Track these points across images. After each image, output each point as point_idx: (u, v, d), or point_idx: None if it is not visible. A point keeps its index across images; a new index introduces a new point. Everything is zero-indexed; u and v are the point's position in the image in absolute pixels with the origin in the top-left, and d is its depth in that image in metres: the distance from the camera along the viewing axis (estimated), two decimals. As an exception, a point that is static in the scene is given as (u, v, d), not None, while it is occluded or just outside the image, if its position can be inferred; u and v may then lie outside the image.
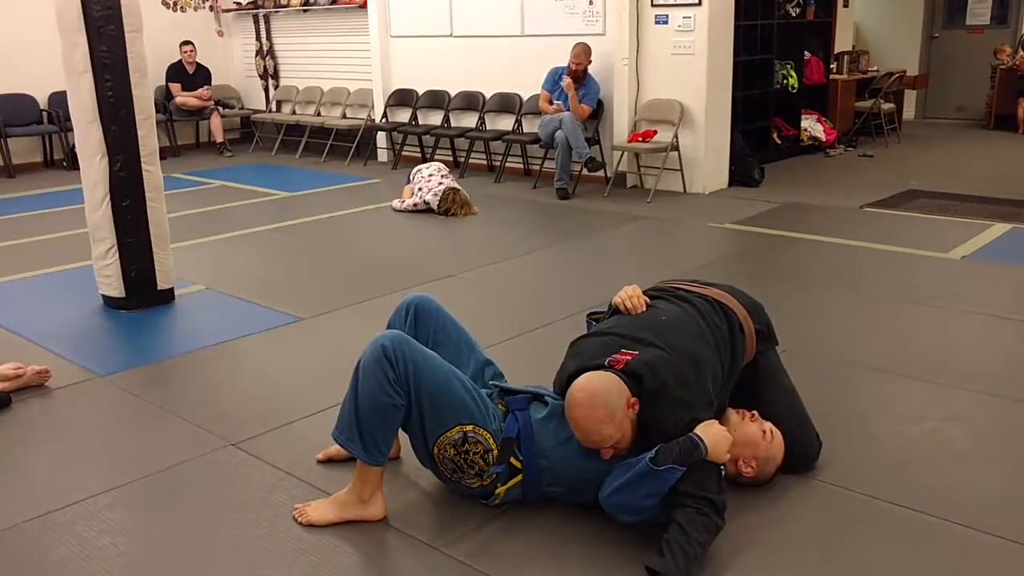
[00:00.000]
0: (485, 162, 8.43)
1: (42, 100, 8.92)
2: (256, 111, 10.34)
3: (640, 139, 7.05)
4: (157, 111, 9.18)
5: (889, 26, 11.34)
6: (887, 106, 9.43)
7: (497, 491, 2.42)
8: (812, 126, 8.98)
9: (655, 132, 7.03)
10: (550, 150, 7.32)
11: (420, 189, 6.57)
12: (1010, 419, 3.05)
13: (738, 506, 2.42)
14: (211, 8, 10.35)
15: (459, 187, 6.58)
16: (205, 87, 9.71)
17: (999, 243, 5.31)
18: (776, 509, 2.50)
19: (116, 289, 4.35)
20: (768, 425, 2.54)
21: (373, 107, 9.14)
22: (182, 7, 10.07)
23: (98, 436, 3.10)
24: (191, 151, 10.08)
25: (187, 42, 9.60)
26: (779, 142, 8.66)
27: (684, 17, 6.79)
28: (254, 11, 10.09)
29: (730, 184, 7.27)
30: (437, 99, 8.58)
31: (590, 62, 7.01)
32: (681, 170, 7.04)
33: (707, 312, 2.59)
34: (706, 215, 6.30)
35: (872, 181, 7.30)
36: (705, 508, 2.20)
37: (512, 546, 2.35)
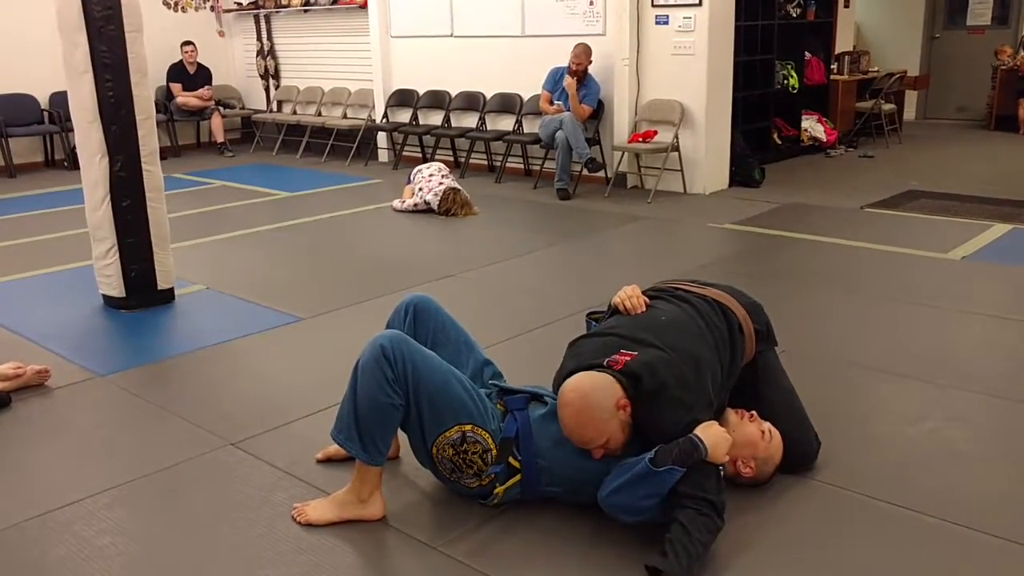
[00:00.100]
0: (486, 162, 8.44)
1: (43, 100, 8.93)
2: (257, 111, 10.34)
3: (640, 139, 7.05)
4: (158, 111, 9.18)
5: (890, 26, 11.33)
6: (888, 107, 9.43)
7: (496, 491, 2.42)
8: (813, 126, 8.98)
9: (655, 132, 7.03)
10: (550, 150, 7.32)
11: (421, 189, 6.58)
12: (1010, 419, 3.05)
13: (737, 506, 2.42)
14: (212, 8, 10.36)
15: (459, 187, 6.59)
16: (206, 87, 9.72)
17: (999, 243, 5.31)
18: (775, 509, 2.50)
19: (116, 289, 4.36)
20: (767, 425, 2.54)
21: (374, 107, 9.15)
22: (183, 7, 10.08)
23: (98, 436, 3.11)
24: (192, 151, 10.09)
25: (188, 42, 9.61)
26: (780, 142, 8.66)
27: (684, 17, 6.79)
28: (255, 11, 10.10)
29: (730, 184, 7.27)
30: (438, 99, 8.58)
31: (590, 62, 7.02)
32: (681, 170, 7.04)
33: (706, 312, 2.59)
34: (706, 215, 6.30)
35: (872, 181, 7.30)
36: (705, 509, 2.20)
37: (511, 546, 2.35)
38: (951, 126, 10.80)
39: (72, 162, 8.44)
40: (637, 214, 6.43)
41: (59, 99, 8.55)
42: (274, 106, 10.27)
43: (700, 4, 6.69)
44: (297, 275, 5.10)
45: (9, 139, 8.65)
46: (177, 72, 9.64)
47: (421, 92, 8.71)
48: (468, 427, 2.36)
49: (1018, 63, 10.04)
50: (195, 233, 5.99)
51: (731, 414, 2.52)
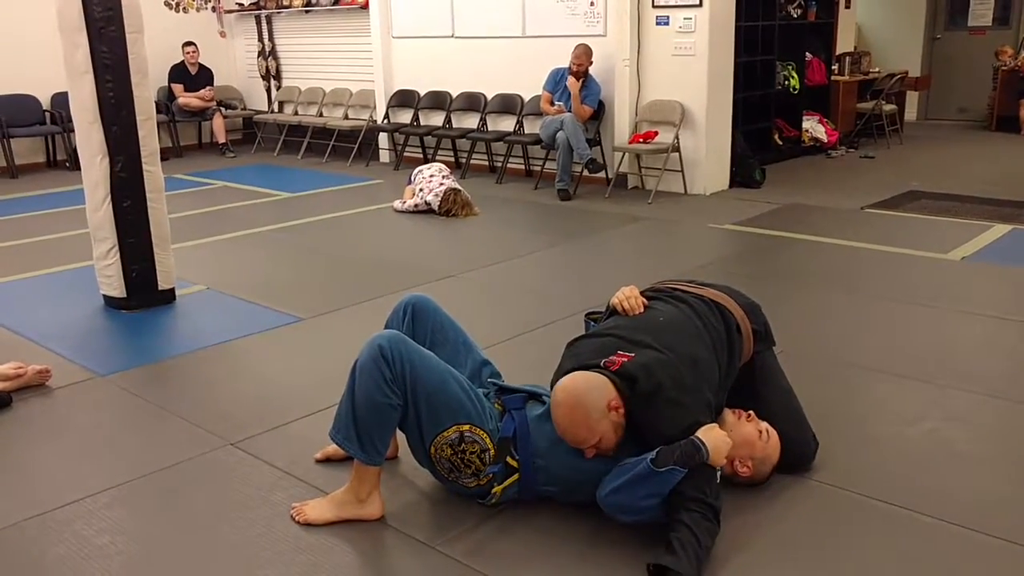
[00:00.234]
0: (487, 163, 8.45)
1: (45, 101, 8.95)
2: (258, 112, 10.36)
3: (641, 140, 7.05)
4: (160, 112, 9.24)
5: (891, 27, 11.33)
6: (889, 107, 9.43)
7: (493, 490, 2.43)
8: (813, 127, 8.98)
9: (656, 133, 7.04)
10: (551, 151, 7.32)
11: (421, 190, 6.58)
12: (1010, 420, 3.05)
13: (734, 505, 2.42)
14: (213, 9, 10.38)
15: (460, 188, 6.59)
16: (207, 88, 9.74)
17: (999, 244, 5.31)
18: (772, 509, 2.50)
19: (117, 289, 4.37)
20: (764, 425, 2.55)
21: (375, 108, 9.16)
22: (184, 8, 10.10)
23: (98, 435, 3.12)
24: (193, 152, 10.11)
25: (189, 43, 9.63)
26: (780, 143, 8.66)
27: (685, 18, 6.79)
28: (256, 12, 10.12)
29: (731, 185, 7.27)
30: (439, 100, 8.59)
31: (591, 63, 7.02)
32: (682, 171, 7.05)
33: (704, 313, 2.60)
34: (707, 216, 6.31)
35: (873, 182, 7.30)
36: (708, 513, 2.22)
37: (508, 545, 2.36)
38: (952, 127, 10.80)
39: (74, 163, 8.45)
40: (638, 215, 6.44)
41: (61, 100, 8.57)
42: (275, 107, 10.29)
43: (700, 5, 6.70)
44: (298, 275, 5.11)
45: (11, 139, 8.67)
46: (179, 73, 9.66)
47: (422, 93, 8.72)
48: (466, 427, 2.37)
49: (1019, 64, 10.04)
50: (196, 233, 6.00)
51: (728, 414, 2.53)
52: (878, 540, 2.35)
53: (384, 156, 9.22)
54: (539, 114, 7.53)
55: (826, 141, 8.95)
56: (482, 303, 4.47)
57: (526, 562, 2.29)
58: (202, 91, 9.69)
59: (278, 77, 10.29)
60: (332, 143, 9.28)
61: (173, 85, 9.66)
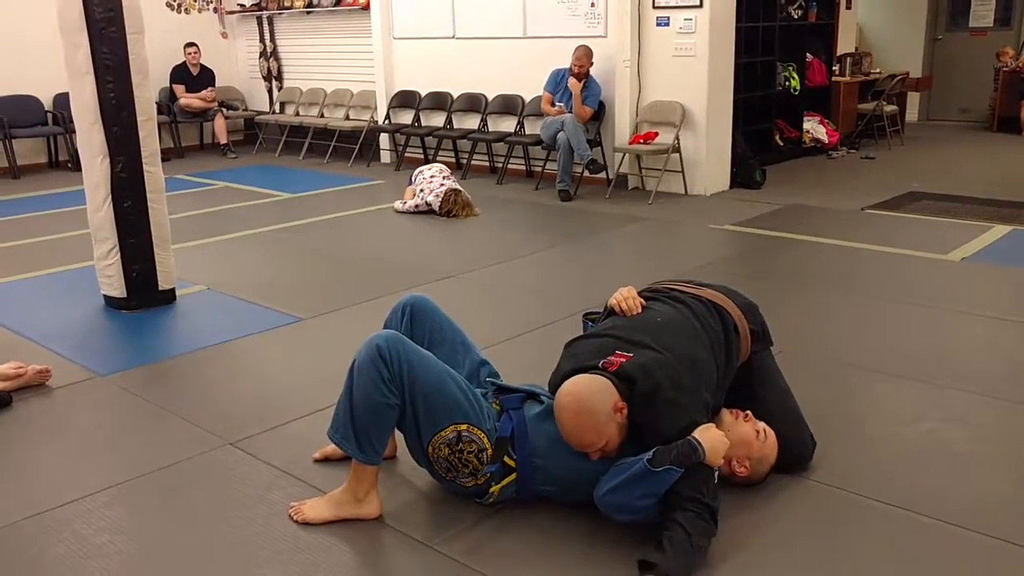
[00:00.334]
0: (487, 164, 8.45)
1: (47, 101, 8.97)
2: (260, 112, 10.37)
3: (641, 141, 7.06)
4: (161, 113, 9.32)
5: (892, 28, 11.33)
6: (890, 108, 9.43)
7: (491, 490, 2.43)
8: (814, 128, 8.98)
9: (656, 134, 7.04)
10: (552, 152, 7.33)
11: (422, 190, 6.59)
12: (1008, 421, 3.05)
13: (732, 505, 2.43)
14: (215, 10, 10.40)
15: (460, 188, 6.60)
16: (209, 89, 9.76)
17: (999, 245, 5.31)
18: (769, 508, 2.50)
19: (118, 289, 4.38)
20: (761, 425, 2.55)
21: (376, 109, 9.17)
22: (186, 9, 10.11)
23: (97, 435, 3.12)
24: (195, 152, 10.12)
25: (191, 44, 9.64)
26: (781, 144, 8.66)
27: (685, 19, 6.80)
28: (258, 13, 10.14)
29: (731, 186, 7.28)
30: (440, 101, 8.60)
31: (592, 64, 7.03)
32: (682, 172, 7.05)
33: (702, 313, 2.60)
34: (707, 216, 6.31)
35: (874, 183, 7.30)
36: (704, 513, 2.23)
37: (506, 544, 2.36)
38: (953, 128, 10.80)
39: (75, 163, 8.45)
40: (638, 215, 6.44)
41: (63, 100, 8.56)
42: (277, 107, 10.30)
43: (701, 6, 6.71)
44: (298, 276, 5.12)
45: (13, 140, 8.68)
46: (180, 74, 9.68)
47: (423, 94, 8.73)
48: (463, 426, 2.37)
49: (1020, 65, 10.04)
50: (197, 234, 6.01)
51: (726, 414, 2.53)
52: (875, 540, 2.35)
53: (385, 157, 9.23)
54: (540, 115, 7.54)
55: (827, 142, 8.95)
56: (482, 303, 4.48)
57: (524, 561, 2.29)
58: (204, 92, 9.71)
59: (279, 78, 10.31)
60: (333, 144, 9.29)
61: (175, 86, 9.67)
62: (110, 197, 4.24)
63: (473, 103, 8.35)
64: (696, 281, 2.80)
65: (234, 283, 4.85)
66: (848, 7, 9.96)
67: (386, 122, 8.97)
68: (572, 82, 7.02)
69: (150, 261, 4.40)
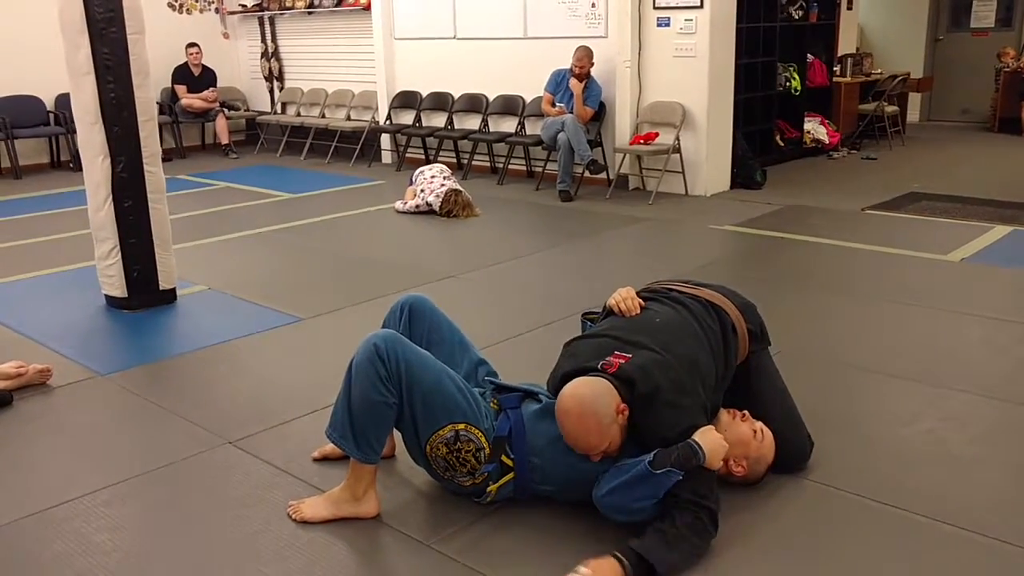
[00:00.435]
0: (488, 164, 8.46)
1: (49, 102, 8.98)
2: (261, 113, 10.39)
3: (642, 141, 7.06)
4: (163, 113, 9.35)
5: (893, 29, 11.33)
6: (890, 109, 9.43)
7: (489, 489, 2.44)
8: (815, 128, 8.98)
9: (657, 134, 7.05)
10: (552, 152, 7.34)
11: (422, 191, 6.60)
12: (1006, 421, 3.05)
13: (729, 504, 2.43)
14: (217, 10, 10.41)
15: (461, 188, 6.61)
16: (211, 89, 9.78)
17: (999, 245, 5.31)
18: (767, 507, 2.51)
19: (118, 289, 4.39)
20: (759, 425, 2.55)
21: (377, 109, 9.18)
22: (188, 9, 10.13)
23: (97, 434, 3.14)
24: (197, 153, 10.14)
25: (193, 44, 9.66)
26: (782, 144, 8.67)
27: (686, 20, 6.81)
28: (259, 13, 10.15)
29: (732, 186, 7.28)
30: (441, 101, 8.61)
31: (592, 65, 7.04)
32: (683, 172, 7.06)
33: (700, 314, 2.61)
34: (707, 217, 6.32)
35: (874, 183, 7.30)
36: (702, 514, 2.24)
37: (503, 543, 2.37)
38: (954, 128, 10.79)
39: (77, 163, 8.42)
40: (638, 215, 6.45)
41: (65, 100, 8.47)
42: (278, 108, 10.32)
43: (701, 6, 6.71)
44: (299, 276, 5.13)
45: (15, 140, 8.70)
46: (182, 74, 9.69)
47: (424, 94, 8.74)
48: (461, 426, 2.38)
49: (1021, 65, 10.03)
50: (199, 234, 6.02)
51: (723, 414, 2.54)
52: (872, 539, 2.36)
53: (386, 157, 9.25)
54: (540, 115, 7.55)
55: (827, 142, 8.95)
56: (483, 304, 4.49)
57: (521, 560, 2.30)
58: (205, 92, 9.73)
59: (281, 78, 10.32)
60: (334, 144, 9.31)
61: (176, 86, 9.69)
62: (111, 197, 4.25)
63: (474, 104, 8.36)
64: (694, 281, 2.81)
65: (235, 283, 4.86)
66: (849, 7, 9.96)
67: (387, 122, 8.98)
68: (573, 83, 7.03)
69: (151, 261, 4.41)
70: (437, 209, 6.46)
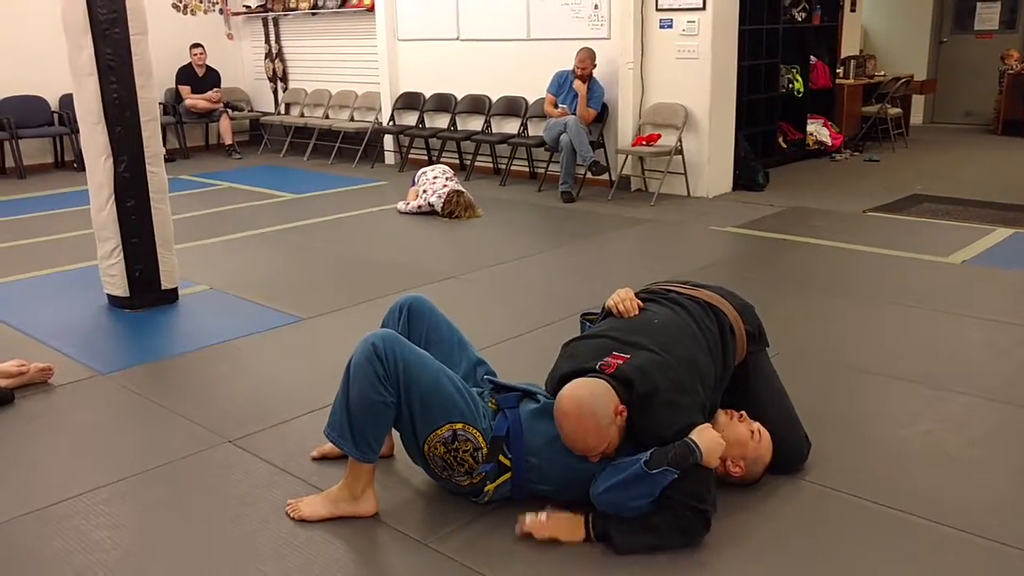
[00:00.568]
0: (491, 165, 8.47)
1: (53, 102, 9.01)
2: (265, 113, 10.41)
3: (644, 143, 7.07)
4: (167, 113, 9.38)
5: (897, 31, 11.32)
6: (894, 111, 9.43)
7: (486, 488, 2.45)
8: (818, 130, 8.98)
9: (659, 136, 7.05)
10: (555, 153, 7.35)
11: (425, 191, 6.61)
12: (1004, 423, 3.05)
13: (726, 504, 2.44)
14: (221, 11, 10.44)
15: (463, 189, 6.62)
16: (215, 90, 9.80)
17: (1000, 248, 5.31)
18: (764, 507, 2.52)
19: (120, 288, 4.41)
20: (756, 425, 2.56)
21: (380, 110, 9.20)
22: (192, 10, 10.16)
23: (98, 432, 3.15)
24: (200, 153, 10.16)
25: (197, 45, 9.68)
26: (784, 146, 8.66)
27: (688, 21, 6.81)
28: (263, 14, 10.17)
29: (734, 188, 7.28)
30: (444, 102, 8.62)
31: (595, 66, 7.05)
32: (685, 174, 7.06)
33: (698, 315, 2.61)
34: (709, 219, 6.32)
35: (877, 186, 7.30)
36: (696, 519, 2.28)
37: (500, 542, 2.38)
38: (958, 130, 10.78)
39: (81, 163, 8.44)
40: (640, 217, 6.46)
41: (69, 101, 8.61)
42: (282, 108, 10.34)
43: (704, 8, 6.72)
44: (300, 276, 5.14)
45: (19, 140, 8.72)
46: (186, 75, 9.72)
47: (427, 95, 8.76)
48: (459, 425, 2.39)
49: (1025, 67, 10.03)
50: (201, 234, 6.04)
51: (721, 414, 2.54)
52: (869, 540, 2.36)
53: (389, 158, 9.26)
54: (543, 116, 7.55)
55: (830, 144, 8.95)
56: (484, 304, 4.50)
57: (518, 559, 2.31)
58: (209, 93, 9.75)
59: (285, 79, 10.34)
60: (338, 145, 9.33)
61: (180, 87, 9.71)
62: (113, 197, 4.27)
63: (477, 105, 8.37)
64: (693, 282, 2.81)
65: (237, 283, 4.88)
66: (852, 9, 9.96)
67: (390, 123, 9.00)
68: (578, 84, 7.03)
69: (153, 260, 4.42)
70: (439, 210, 6.47)
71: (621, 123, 7.29)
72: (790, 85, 8.64)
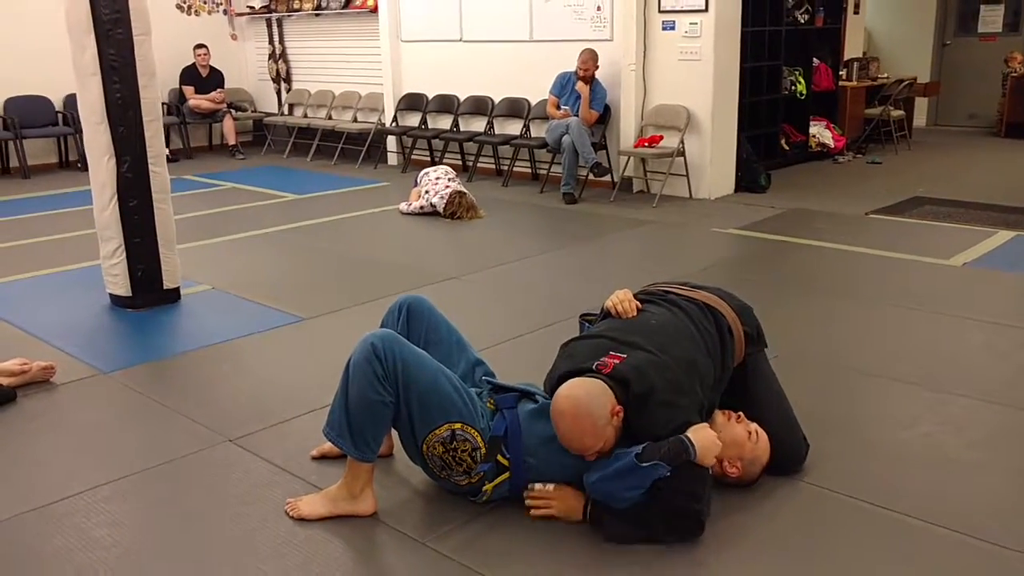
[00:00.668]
0: (493, 166, 8.48)
1: (57, 102, 9.04)
2: (268, 114, 10.43)
3: (646, 144, 7.07)
4: (171, 114, 9.40)
5: (900, 33, 11.32)
6: (897, 113, 9.42)
7: (484, 488, 2.46)
8: (821, 132, 8.98)
9: (661, 137, 7.05)
10: (557, 155, 7.35)
11: (427, 192, 6.62)
12: (1004, 426, 3.05)
13: (724, 504, 2.45)
14: (225, 12, 10.46)
15: (465, 190, 6.63)
16: (218, 90, 9.82)
17: (1002, 250, 5.30)
18: (762, 508, 2.52)
19: (123, 288, 4.42)
20: (753, 426, 2.56)
21: (383, 111, 9.21)
22: (196, 11, 10.18)
23: (99, 431, 3.16)
24: (204, 153, 10.18)
25: (201, 45, 9.71)
26: (787, 148, 8.66)
27: (691, 23, 6.81)
28: (267, 15, 10.19)
29: (736, 190, 7.28)
30: (446, 103, 8.64)
31: (597, 67, 7.05)
32: (687, 175, 7.07)
33: (696, 316, 2.62)
34: (711, 220, 6.33)
35: (879, 188, 7.30)
36: (689, 517, 2.29)
37: (498, 541, 2.39)
38: (961, 133, 10.77)
39: (85, 163, 8.48)
40: (642, 218, 6.46)
41: (73, 101, 8.51)
42: (285, 109, 10.36)
43: (706, 10, 6.72)
44: (302, 276, 5.15)
45: (24, 140, 8.75)
46: (190, 75, 9.74)
47: (430, 96, 8.77)
48: (458, 425, 2.39)
49: (1029, 70, 10.02)
50: (204, 234, 6.05)
51: (718, 415, 2.55)
52: (867, 542, 2.37)
53: (392, 159, 9.28)
54: (546, 118, 7.56)
55: (833, 146, 8.94)
56: (485, 305, 4.51)
57: (516, 558, 2.32)
58: (213, 93, 9.78)
59: (288, 80, 10.36)
60: (341, 146, 9.34)
61: (184, 87, 9.74)
62: (116, 197, 4.28)
63: (479, 106, 8.38)
64: (691, 283, 2.82)
65: (239, 283, 4.89)
66: (856, 11, 9.97)
67: (393, 124, 9.01)
68: (581, 86, 7.04)
69: (155, 260, 4.43)
70: (441, 210, 6.48)
71: (623, 124, 7.29)
72: (793, 87, 8.64)
